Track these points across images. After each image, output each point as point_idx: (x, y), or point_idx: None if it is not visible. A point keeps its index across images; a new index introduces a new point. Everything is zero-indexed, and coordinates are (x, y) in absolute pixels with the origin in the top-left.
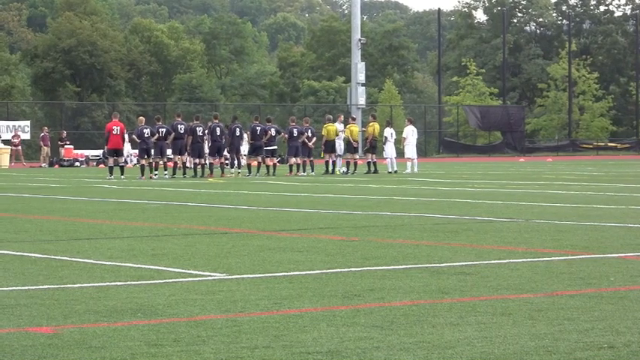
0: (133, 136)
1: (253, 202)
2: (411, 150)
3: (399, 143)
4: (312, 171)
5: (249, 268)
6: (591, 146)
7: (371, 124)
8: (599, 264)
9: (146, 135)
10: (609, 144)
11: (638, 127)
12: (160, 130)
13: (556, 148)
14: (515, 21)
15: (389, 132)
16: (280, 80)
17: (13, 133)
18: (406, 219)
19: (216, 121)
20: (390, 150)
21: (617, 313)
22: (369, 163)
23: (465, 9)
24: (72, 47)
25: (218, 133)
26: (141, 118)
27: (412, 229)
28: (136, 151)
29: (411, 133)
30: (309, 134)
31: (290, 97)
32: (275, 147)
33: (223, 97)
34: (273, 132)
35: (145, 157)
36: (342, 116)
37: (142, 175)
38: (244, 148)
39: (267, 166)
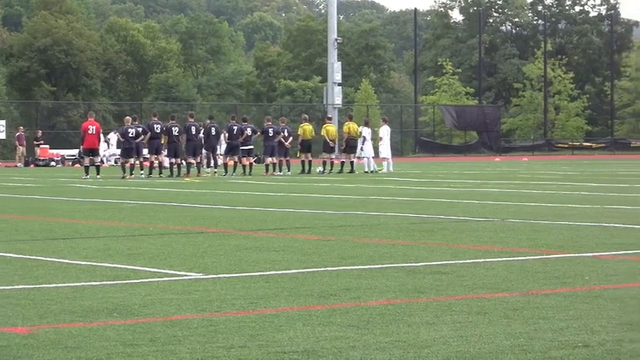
0: (118, 135)
1: (230, 202)
2: (385, 149)
3: (376, 143)
4: (289, 171)
5: (225, 267)
6: (566, 146)
7: (347, 123)
8: (574, 263)
9: (130, 135)
10: (584, 143)
11: (613, 126)
12: (137, 130)
13: (532, 148)
14: (491, 21)
15: (367, 131)
16: (257, 80)
17: None
18: (382, 218)
19: (192, 119)
20: (367, 150)
21: (591, 312)
22: (350, 162)
23: (441, 9)
24: (47, 46)
25: (193, 132)
26: (127, 117)
27: (388, 229)
28: (119, 150)
29: (385, 133)
30: (286, 134)
31: (266, 96)
32: (251, 146)
33: (200, 97)
34: (249, 131)
35: (128, 157)
36: (355, 117)
37: (125, 173)
38: (221, 148)
39: (244, 166)
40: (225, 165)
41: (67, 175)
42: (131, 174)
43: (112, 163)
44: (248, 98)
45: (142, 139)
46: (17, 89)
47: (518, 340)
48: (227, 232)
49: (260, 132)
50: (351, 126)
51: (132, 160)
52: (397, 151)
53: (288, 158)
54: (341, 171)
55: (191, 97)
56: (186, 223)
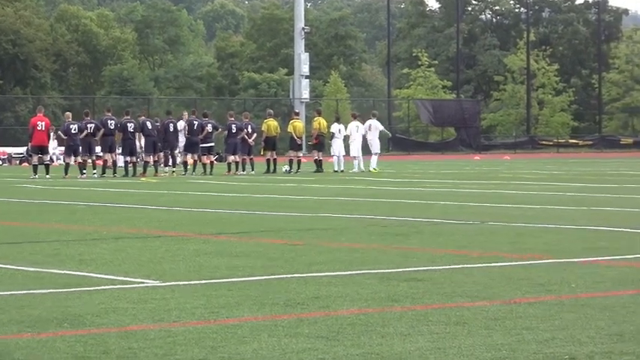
0: (59, 132)
1: (189, 204)
2: (355, 147)
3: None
4: (252, 170)
5: (184, 274)
6: (551, 143)
7: (316, 119)
8: (560, 269)
9: (73, 131)
10: (570, 141)
11: (601, 122)
12: (89, 125)
13: (514, 145)
14: (469, 9)
15: (336, 128)
16: (218, 72)
17: None
18: (353, 221)
19: (144, 117)
20: (337, 147)
21: (578, 322)
22: (316, 161)
23: None
24: None
25: (150, 127)
26: (67, 113)
27: (359, 232)
28: (62, 148)
29: (355, 130)
30: (249, 130)
31: (228, 90)
32: (212, 144)
33: (157, 91)
34: (210, 128)
35: (72, 155)
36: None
37: (66, 174)
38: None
39: (204, 165)
40: (185, 163)
41: (15, 175)
42: (82, 173)
43: (62, 161)
44: (209, 92)
45: (85, 136)
46: None
47: (500, 352)
48: (186, 235)
49: (222, 128)
50: (321, 121)
51: (78, 159)
52: (368, 148)
53: (252, 156)
54: (318, 170)
55: (147, 91)
56: (143, 227)
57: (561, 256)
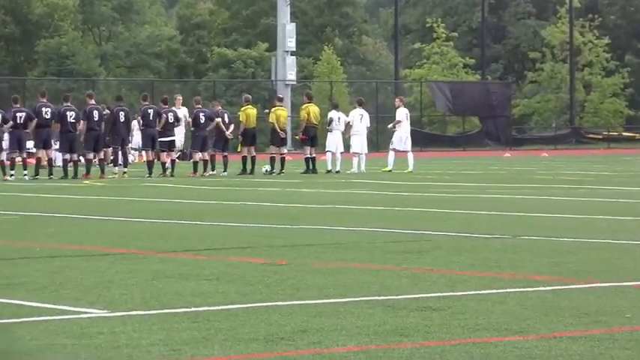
0: None
1: (145, 213)
2: (358, 142)
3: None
4: (225, 170)
5: (138, 301)
6: (600, 137)
7: (305, 106)
8: (611, 295)
9: None
10: (624, 134)
11: None
12: (18, 115)
13: (553, 140)
14: None
15: (335, 116)
16: (181, 47)
17: None
18: (352, 235)
19: (92, 102)
20: (333, 141)
21: None
22: (307, 159)
23: None
24: None
25: (96, 119)
26: None
27: (360, 249)
28: None
29: (358, 120)
30: (226, 120)
31: (195, 70)
32: (173, 137)
33: (104, 71)
34: (171, 117)
35: None
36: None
37: None
38: (137, 139)
39: (163, 164)
40: (150, 162)
41: None
42: (9, 175)
43: None
44: (169, 72)
45: (13, 128)
46: None
47: None
48: (141, 253)
49: (188, 119)
50: (311, 109)
51: (2, 156)
52: (372, 144)
53: (225, 154)
54: (307, 170)
55: (92, 71)
56: (86, 242)
57: (613, 279)
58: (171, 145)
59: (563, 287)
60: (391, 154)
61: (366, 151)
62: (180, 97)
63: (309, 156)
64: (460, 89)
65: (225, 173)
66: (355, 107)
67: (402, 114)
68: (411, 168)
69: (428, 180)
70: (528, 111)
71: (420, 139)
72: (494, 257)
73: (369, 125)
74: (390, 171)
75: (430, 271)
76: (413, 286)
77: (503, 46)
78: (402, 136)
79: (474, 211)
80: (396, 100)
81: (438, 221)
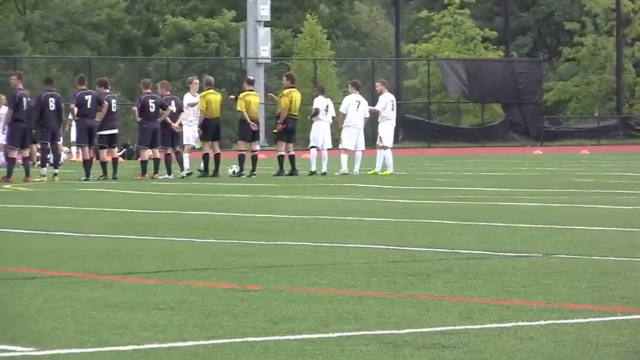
0: None
1: (80, 225)
2: (352, 136)
3: (337, 125)
4: (182, 171)
5: (73, 337)
6: None
7: (288, 91)
8: None
9: None
10: None
11: None
12: None
13: (596, 133)
14: None
15: (322, 104)
16: (126, 16)
17: None
18: (341, 253)
19: (21, 86)
20: (319, 134)
21: None
22: (280, 157)
23: None
24: None
25: (24, 107)
26: None
27: (352, 271)
28: None
29: (353, 108)
30: (174, 109)
31: (143, 45)
32: (115, 130)
33: (29, 46)
34: (113, 105)
35: None
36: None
37: None
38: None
39: (104, 163)
40: (87, 162)
41: None
42: None
43: None
44: (111, 48)
45: None
46: None
47: None
48: (76, 276)
49: (135, 106)
50: (294, 96)
51: None
52: (367, 138)
53: (179, 149)
54: (280, 172)
55: (14, 47)
56: (8, 262)
57: None
58: (113, 140)
59: (607, 318)
60: (379, 154)
61: (363, 148)
62: (197, 82)
63: (283, 153)
64: (478, 69)
65: (183, 173)
66: (350, 93)
67: (387, 101)
68: (391, 169)
69: (437, 184)
70: (564, 96)
71: (428, 133)
72: (521, 281)
73: (367, 116)
74: (390, 174)
75: (440, 299)
76: (419, 318)
77: (532, 15)
78: (390, 131)
79: (495, 223)
80: (377, 83)
81: (450, 236)
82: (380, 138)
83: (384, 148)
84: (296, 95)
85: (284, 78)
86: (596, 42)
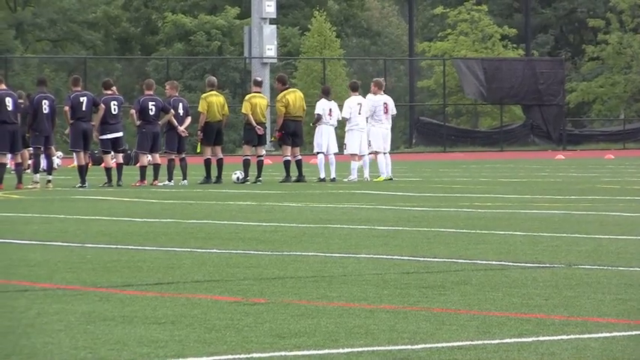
0: None
1: (75, 235)
2: (356, 140)
3: (342, 127)
4: (185, 179)
5: (68, 353)
6: None
7: (282, 95)
8: None
9: None
10: None
11: None
12: None
13: (621, 136)
14: None
15: (324, 107)
16: (123, 14)
17: None
18: (352, 264)
19: (3, 86)
20: (323, 139)
21: None
22: (286, 162)
23: None
24: None
25: (10, 108)
26: None
27: (362, 283)
28: None
29: (356, 110)
30: (180, 112)
31: (142, 44)
32: (120, 133)
33: (20, 45)
34: (113, 108)
35: None
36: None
37: None
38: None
39: (108, 170)
40: (82, 168)
41: None
42: None
43: None
44: (108, 47)
45: None
46: None
47: None
48: (71, 288)
49: (134, 109)
50: (289, 98)
51: None
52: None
53: (183, 156)
54: (287, 178)
55: (5, 46)
56: None
57: None
58: (116, 145)
59: (633, 332)
60: (380, 159)
61: (367, 152)
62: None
63: (289, 158)
64: (497, 69)
65: (185, 182)
66: (350, 96)
67: (379, 103)
68: (389, 174)
69: (453, 190)
70: (588, 98)
71: (444, 136)
72: (543, 293)
73: (369, 114)
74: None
75: (456, 312)
76: (433, 333)
77: (554, 11)
78: (380, 135)
79: (514, 232)
80: (373, 84)
81: (466, 246)
82: (369, 142)
83: (376, 153)
84: (292, 96)
85: (276, 82)
86: (622, 40)
